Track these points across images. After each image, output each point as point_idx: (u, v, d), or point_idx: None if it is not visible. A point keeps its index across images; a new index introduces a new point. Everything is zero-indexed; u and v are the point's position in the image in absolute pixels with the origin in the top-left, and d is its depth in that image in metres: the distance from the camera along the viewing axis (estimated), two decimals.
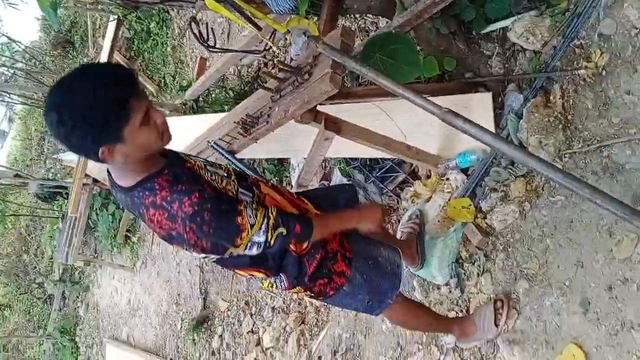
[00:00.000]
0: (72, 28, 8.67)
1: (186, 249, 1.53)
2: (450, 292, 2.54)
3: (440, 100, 2.44)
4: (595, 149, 2.08)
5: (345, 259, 1.88)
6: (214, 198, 1.46)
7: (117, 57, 6.50)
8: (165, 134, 1.42)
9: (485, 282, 2.37)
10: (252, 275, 1.84)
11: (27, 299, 10.06)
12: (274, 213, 1.59)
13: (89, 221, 7.30)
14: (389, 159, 3.12)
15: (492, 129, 2.44)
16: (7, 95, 9.26)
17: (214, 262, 1.75)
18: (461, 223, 2.52)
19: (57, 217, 8.66)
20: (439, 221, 2.64)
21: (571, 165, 2.15)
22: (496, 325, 2.19)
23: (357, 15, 3.38)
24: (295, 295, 2.04)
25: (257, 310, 4.41)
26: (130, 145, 1.34)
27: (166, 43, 6.20)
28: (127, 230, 6.93)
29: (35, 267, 10.04)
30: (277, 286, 1.87)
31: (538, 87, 2.33)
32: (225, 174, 1.65)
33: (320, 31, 2.22)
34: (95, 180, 6.48)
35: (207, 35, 2.14)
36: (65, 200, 7.75)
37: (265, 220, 1.54)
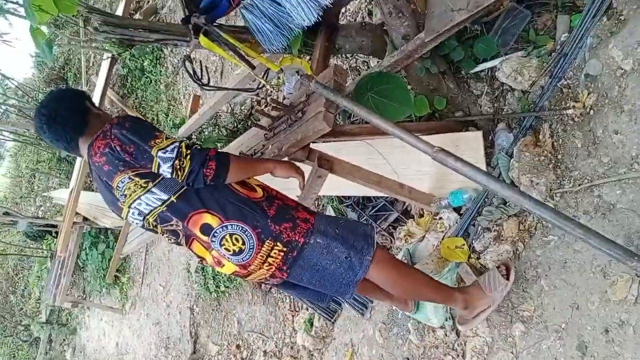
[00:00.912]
0: (66, 65, 8.74)
1: (122, 172, 1.71)
2: (446, 335, 2.48)
3: (430, 138, 2.44)
4: (587, 189, 2.08)
5: (307, 210, 1.92)
6: (140, 118, 1.81)
7: (111, 95, 6.54)
8: None
9: (480, 324, 2.31)
10: (208, 227, 1.76)
11: (13, 342, 9.78)
12: (190, 141, 1.77)
13: (78, 261, 7.19)
14: (381, 198, 3.10)
15: (484, 168, 2.44)
16: None
17: (164, 210, 1.78)
18: (455, 263, 2.49)
19: (46, 257, 8.52)
20: (432, 261, 2.60)
21: (563, 205, 2.14)
22: (506, 279, 2.12)
23: (348, 55, 3.44)
24: (267, 266, 1.81)
25: (249, 354, 4.30)
26: (98, 109, 1.95)
27: (159, 81, 6.26)
28: (117, 270, 6.81)
29: (21, 309, 9.81)
30: (246, 245, 1.77)
31: (527, 127, 2.35)
32: None
33: (313, 70, 2.24)
34: (85, 219, 6.41)
35: (201, 73, 2.15)
36: (55, 239, 7.64)
37: (181, 140, 1.72)
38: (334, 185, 2.88)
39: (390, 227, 3.10)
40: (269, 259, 1.80)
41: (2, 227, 8.55)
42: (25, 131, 8.60)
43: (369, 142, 2.74)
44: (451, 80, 2.58)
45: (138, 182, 1.72)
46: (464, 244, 2.48)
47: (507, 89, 2.52)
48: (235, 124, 4.62)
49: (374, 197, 3.15)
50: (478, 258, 2.43)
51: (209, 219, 1.76)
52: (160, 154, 1.65)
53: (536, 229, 2.25)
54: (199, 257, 1.95)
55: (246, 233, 1.77)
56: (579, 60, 2.19)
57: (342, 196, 3.34)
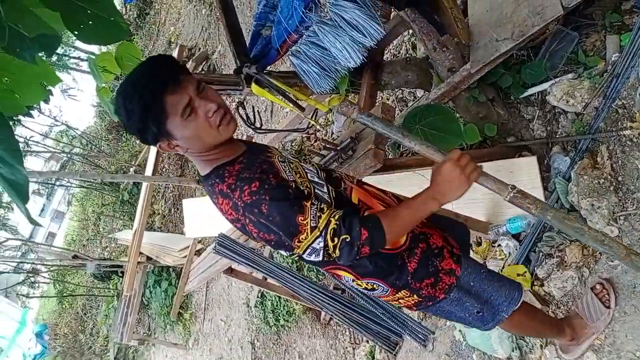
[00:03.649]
0: None
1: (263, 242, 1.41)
2: None
3: (484, 166, 2.43)
4: None
5: (453, 256, 1.62)
6: (276, 188, 1.32)
7: None
8: (222, 121, 1.36)
9: (549, 355, 2.24)
10: (339, 276, 1.60)
11: None
12: (336, 217, 1.33)
13: (143, 299, 7.42)
14: None
15: (541, 193, 2.40)
16: (67, 180, 9.78)
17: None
18: None
19: (113, 296, 8.85)
20: None
21: (627, 228, 2.08)
22: (607, 307, 2.04)
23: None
24: (396, 302, 1.66)
25: None
26: (182, 138, 1.34)
27: None
28: (180, 307, 6.98)
29: (90, 347, 10.17)
30: (378, 289, 1.59)
31: (584, 149, 2.30)
32: (311, 168, 1.54)
33: (361, 108, 2.29)
34: (148, 258, 6.65)
35: (254, 117, 2.24)
36: (121, 279, 7.95)
37: (326, 225, 1.31)
38: None
39: None
40: (401, 301, 1.65)
41: (72, 269, 8.98)
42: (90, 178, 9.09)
43: (420, 172, 2.74)
44: (501, 107, 2.57)
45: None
46: (525, 272, 2.43)
47: (559, 112, 2.48)
48: None
49: None
50: (542, 285, 2.37)
51: (343, 272, 1.57)
52: (306, 255, 1.35)
53: (601, 254, 2.18)
54: None
55: (381, 285, 1.58)
56: (632, 79, 2.15)
57: None
